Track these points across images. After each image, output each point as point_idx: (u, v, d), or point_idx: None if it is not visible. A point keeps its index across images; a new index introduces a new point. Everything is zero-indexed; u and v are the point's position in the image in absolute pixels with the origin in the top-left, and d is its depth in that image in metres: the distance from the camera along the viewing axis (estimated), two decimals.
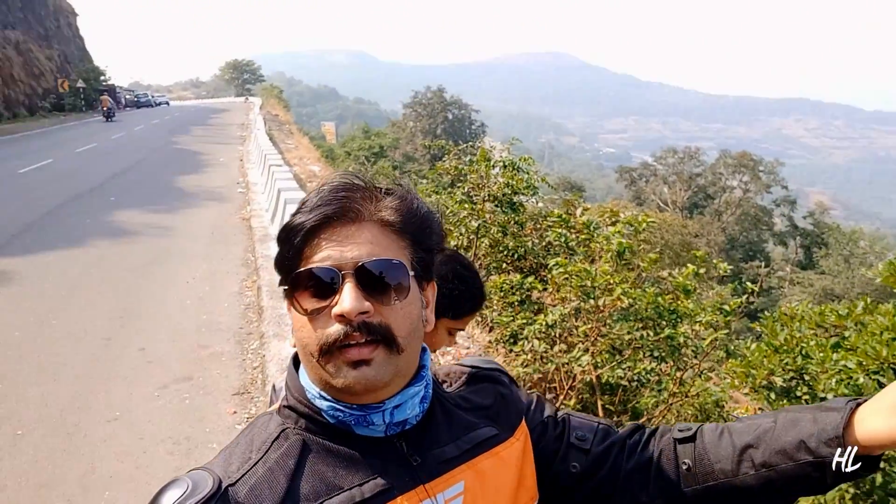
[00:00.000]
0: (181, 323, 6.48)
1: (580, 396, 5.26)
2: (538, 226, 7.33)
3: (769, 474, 0.85)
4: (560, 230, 5.82)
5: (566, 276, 4.80)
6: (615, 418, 5.21)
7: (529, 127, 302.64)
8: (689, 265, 4.71)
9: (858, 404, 0.82)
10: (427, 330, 0.88)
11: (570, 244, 5.83)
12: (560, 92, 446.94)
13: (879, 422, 0.78)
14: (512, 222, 6.87)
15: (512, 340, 5.49)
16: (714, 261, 5.05)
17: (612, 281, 4.54)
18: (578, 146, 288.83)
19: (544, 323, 4.84)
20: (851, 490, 2.60)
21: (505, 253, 6.82)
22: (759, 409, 3.25)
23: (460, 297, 1.66)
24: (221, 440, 4.21)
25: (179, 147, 24.31)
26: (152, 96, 67.57)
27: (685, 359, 4.57)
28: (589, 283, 4.59)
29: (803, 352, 2.95)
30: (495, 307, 5.97)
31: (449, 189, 8.18)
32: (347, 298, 0.77)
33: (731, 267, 4.92)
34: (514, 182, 6.81)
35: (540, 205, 8.90)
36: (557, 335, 5.02)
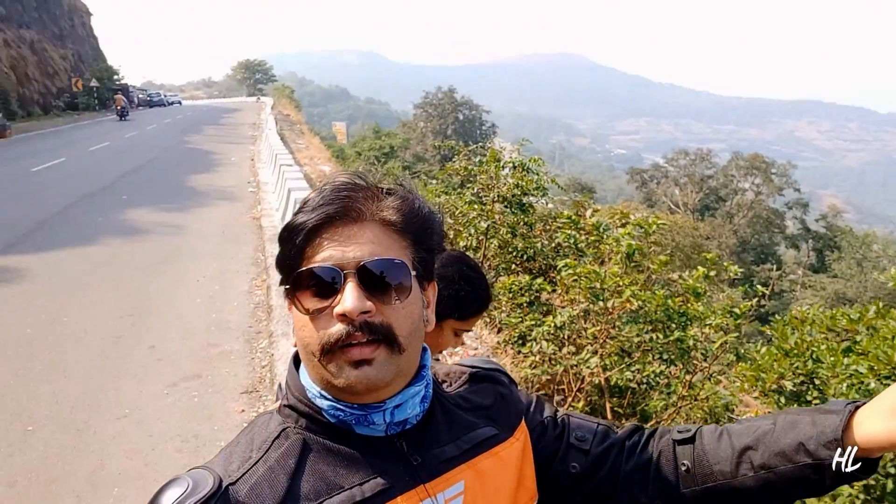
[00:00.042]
0: (191, 321, 6.51)
1: (589, 398, 5.24)
2: (548, 227, 7.32)
3: (768, 476, 0.86)
4: (569, 231, 5.80)
5: (575, 277, 4.78)
6: (624, 421, 5.19)
7: (540, 128, 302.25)
8: (699, 268, 4.68)
9: (857, 407, 0.82)
10: (428, 330, 0.88)
11: (579, 246, 5.81)
12: (571, 93, 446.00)
13: (878, 424, 0.78)
14: (521, 223, 6.85)
15: (520, 342, 5.48)
16: (725, 263, 5.02)
17: (621, 283, 4.52)
18: (589, 147, 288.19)
19: (553, 324, 4.83)
20: (862, 496, 2.58)
21: (514, 254, 6.81)
22: (769, 413, 3.23)
23: (466, 298, 1.66)
24: (230, 438, 4.22)
25: (191, 146, 24.45)
26: (165, 96, 67.98)
27: (694, 362, 4.54)
28: (598, 285, 4.58)
29: (814, 356, 2.92)
30: (504, 308, 5.96)
31: (459, 190, 8.18)
32: (349, 298, 0.77)
33: (742, 270, 4.89)
34: (524, 183, 6.80)
35: (550, 206, 8.88)
36: (566, 337, 5.00)
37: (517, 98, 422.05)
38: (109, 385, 5.06)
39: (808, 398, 2.94)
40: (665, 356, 4.60)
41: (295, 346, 0.85)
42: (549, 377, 5.14)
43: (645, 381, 4.85)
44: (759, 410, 4.04)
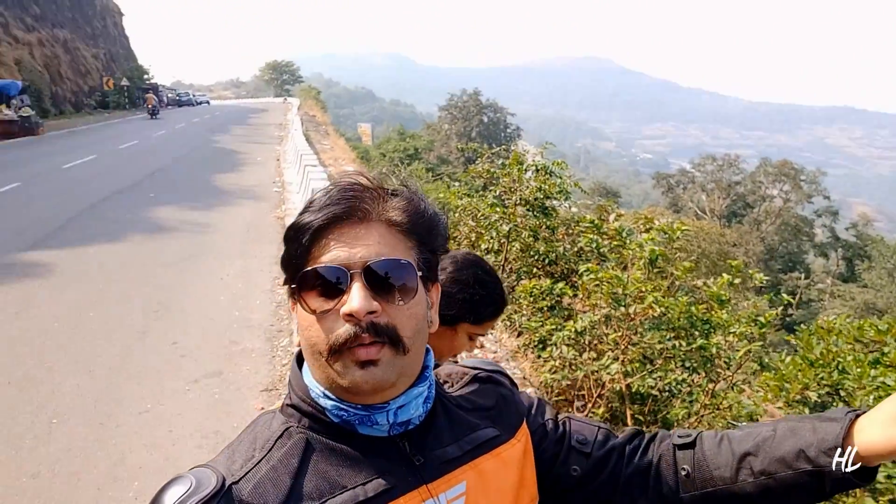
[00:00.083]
0: (214, 318, 6.58)
1: (609, 405, 5.19)
2: (570, 231, 7.27)
3: (767, 482, 0.86)
4: (592, 236, 5.75)
5: (597, 282, 4.74)
6: (645, 428, 5.12)
7: (566, 131, 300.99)
8: (724, 275, 4.61)
9: (858, 415, 0.83)
10: (431, 330, 0.88)
11: (601, 250, 5.76)
12: (597, 97, 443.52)
13: (877, 433, 0.79)
14: (543, 227, 6.82)
15: (541, 346, 5.44)
16: (750, 271, 4.94)
17: (643, 289, 4.47)
18: (615, 151, 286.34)
19: (574, 329, 4.79)
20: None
21: (536, 258, 6.77)
22: None
23: (481, 302, 1.66)
24: None
25: (219, 146, 24.73)
26: (193, 95, 68.90)
27: (718, 370, 4.48)
28: (620, 291, 4.53)
29: (840, 367, 2.87)
30: (524, 312, 5.94)
31: (481, 192, 8.17)
32: (356, 298, 0.77)
33: (769, 278, 4.82)
34: (547, 186, 6.76)
35: (574, 210, 8.82)
36: (587, 342, 4.96)
37: (543, 101, 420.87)
38: (132, 380, 5.12)
39: None
40: (687, 364, 4.54)
41: (299, 345, 0.86)
42: (569, 382, 5.10)
43: (667, 388, 4.79)
44: None
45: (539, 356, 5.36)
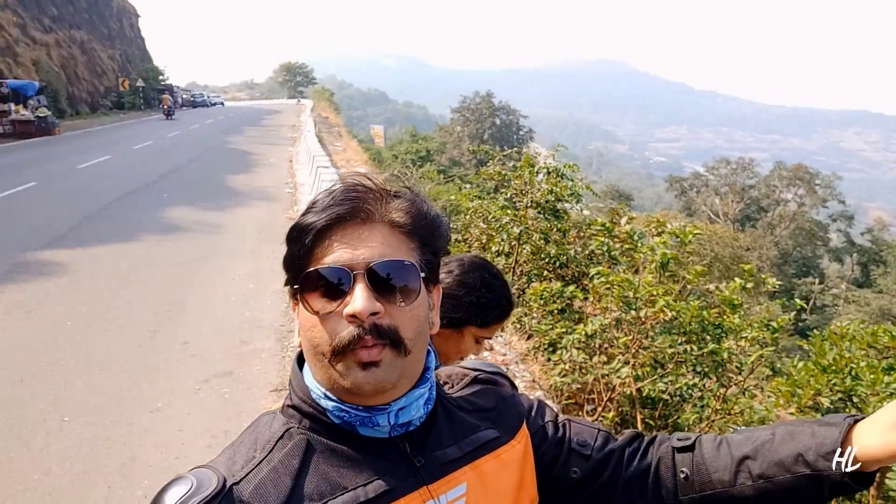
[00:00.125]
0: (225, 318, 6.60)
1: (619, 409, 5.16)
2: (582, 234, 7.25)
3: (766, 485, 0.87)
4: (603, 239, 5.73)
5: (608, 285, 4.72)
6: (655, 433, 5.08)
7: (578, 133, 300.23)
8: (736, 279, 4.58)
9: (857, 420, 0.83)
10: (432, 332, 0.88)
11: (612, 253, 5.74)
12: (611, 99, 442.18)
13: (875, 438, 0.80)
14: (554, 229, 6.80)
15: (551, 349, 5.42)
16: (763, 275, 4.90)
17: (654, 292, 4.44)
18: (628, 154, 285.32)
19: (584, 333, 4.77)
20: None
21: (547, 260, 6.76)
22: None
23: (487, 305, 1.66)
24: None
25: (232, 147, 24.88)
26: (208, 97, 69.44)
27: (729, 375, 4.44)
28: (631, 294, 4.51)
29: (853, 373, 2.83)
30: (534, 315, 5.92)
31: (492, 195, 8.16)
32: (359, 299, 0.77)
33: (782, 283, 4.78)
34: (558, 189, 6.74)
35: (586, 212, 8.80)
36: (597, 346, 4.94)
37: (556, 103, 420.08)
38: (143, 379, 5.16)
39: None
40: (699, 368, 4.51)
41: (300, 346, 0.85)
42: (579, 386, 5.07)
43: (678, 393, 4.76)
44: None
45: (549, 359, 5.34)
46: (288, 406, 0.87)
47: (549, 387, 5.14)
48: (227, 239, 10.18)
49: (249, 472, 0.79)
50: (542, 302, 5.78)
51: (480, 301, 1.64)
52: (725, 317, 4.45)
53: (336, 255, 0.79)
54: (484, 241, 7.36)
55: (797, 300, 4.49)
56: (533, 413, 1.00)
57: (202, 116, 44.72)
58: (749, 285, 4.58)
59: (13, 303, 6.69)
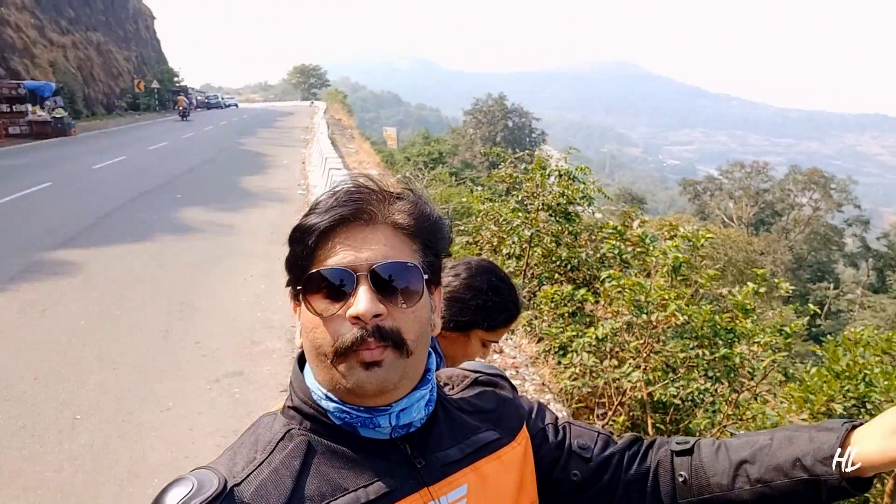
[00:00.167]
0: (236, 319, 6.63)
1: (630, 413, 5.13)
2: (593, 237, 7.22)
3: (764, 490, 0.87)
4: (614, 242, 5.70)
5: (619, 289, 4.69)
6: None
7: (591, 136, 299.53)
8: (749, 284, 4.54)
9: (854, 426, 0.84)
10: (434, 334, 0.88)
11: (624, 257, 5.71)
12: (624, 102, 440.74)
13: (872, 444, 0.80)
14: (566, 232, 6.78)
15: (561, 353, 5.40)
16: (776, 280, 4.86)
17: (666, 296, 4.41)
18: (641, 157, 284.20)
19: (594, 336, 4.74)
20: None
21: (558, 263, 6.74)
22: None
23: (494, 308, 1.65)
24: None
25: (245, 148, 25.02)
26: (222, 98, 69.96)
27: (741, 380, 4.41)
28: (643, 298, 4.48)
29: (866, 379, 2.80)
30: (545, 318, 5.90)
31: (504, 197, 8.15)
32: (363, 300, 0.77)
33: (797, 288, 4.75)
34: (570, 192, 6.72)
35: (598, 215, 8.77)
36: (608, 349, 4.91)
37: (569, 106, 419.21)
38: (155, 378, 5.18)
39: None
40: (710, 373, 4.47)
41: (300, 346, 0.86)
42: (589, 390, 5.05)
43: (689, 398, 4.73)
44: None
45: (559, 363, 5.32)
46: (288, 407, 0.87)
47: (559, 390, 5.12)
48: (240, 240, 10.23)
49: (250, 473, 0.79)
50: (552, 305, 5.77)
51: (487, 305, 1.64)
52: (738, 321, 4.41)
53: (339, 256, 0.79)
54: (495, 243, 7.35)
55: (811, 305, 4.45)
56: (533, 415, 1.00)
57: (216, 118, 45.01)
58: (762, 290, 4.54)
59: (28, 302, 6.76)
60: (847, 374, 2.86)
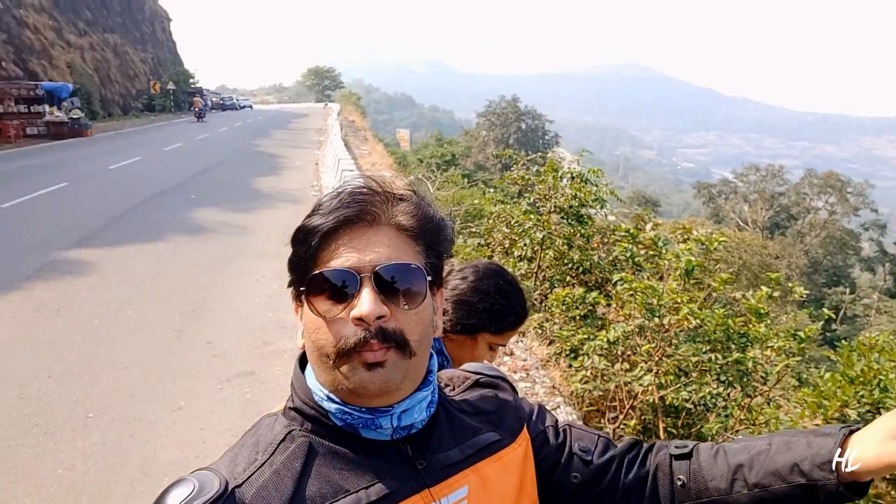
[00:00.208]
0: (248, 319, 6.66)
1: (642, 417, 5.10)
2: (605, 240, 7.19)
3: (762, 494, 0.88)
4: (627, 245, 5.67)
5: (631, 292, 4.67)
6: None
7: (605, 139, 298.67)
8: (763, 288, 4.50)
9: (852, 431, 0.85)
10: (435, 335, 0.88)
11: (636, 260, 5.67)
12: (638, 104, 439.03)
13: (869, 449, 0.81)
14: (578, 235, 6.75)
15: (572, 355, 5.38)
16: (790, 284, 4.81)
17: (678, 300, 4.38)
18: (655, 160, 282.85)
19: (606, 339, 4.72)
20: None
21: (569, 266, 6.71)
22: None
23: (501, 311, 1.64)
24: None
25: (259, 150, 25.16)
26: (236, 100, 70.41)
27: (754, 384, 4.37)
28: (655, 301, 4.45)
29: (881, 384, 2.76)
30: (556, 320, 5.88)
31: (516, 199, 8.13)
32: (367, 302, 0.77)
33: (812, 292, 4.71)
34: (582, 194, 6.70)
35: (611, 218, 8.73)
36: (619, 353, 4.88)
37: (583, 108, 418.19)
38: (167, 377, 5.22)
39: None
40: (723, 377, 4.44)
41: (302, 347, 0.86)
42: (601, 393, 5.03)
43: (701, 402, 4.69)
44: None
45: (570, 365, 5.29)
46: (289, 408, 0.87)
47: (569, 393, 5.10)
48: (253, 240, 10.28)
49: (251, 474, 0.79)
50: (564, 308, 5.74)
51: (494, 308, 1.63)
52: (751, 325, 4.37)
53: (343, 258, 0.80)
54: (507, 245, 7.33)
55: (825, 310, 4.40)
56: (534, 418, 1.00)
57: (231, 119, 45.31)
58: (776, 294, 4.50)
59: (43, 300, 6.82)
60: (861, 379, 2.82)
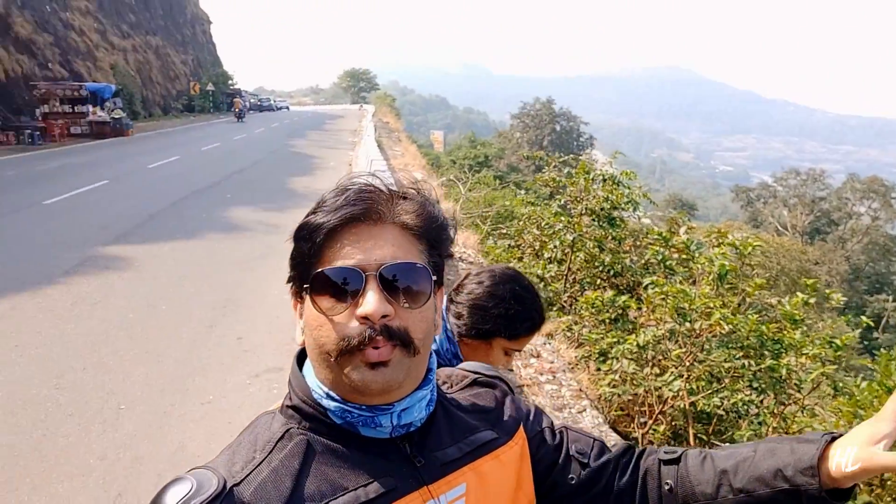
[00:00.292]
0: (278, 316, 6.72)
1: (672, 422, 5.01)
2: (638, 243, 7.10)
3: (746, 499, 0.89)
4: (658, 248, 5.59)
5: (662, 296, 4.60)
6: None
7: (641, 141, 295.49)
8: (798, 294, 4.40)
9: (834, 438, 0.86)
10: (436, 334, 0.88)
11: (668, 263, 5.59)
12: (675, 106, 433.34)
13: (850, 455, 0.82)
14: (609, 237, 6.68)
15: (601, 359, 5.32)
16: (827, 291, 4.69)
17: (711, 305, 4.30)
18: (693, 163, 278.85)
19: (636, 343, 4.65)
20: None
21: (600, 268, 6.64)
22: None
23: (517, 317, 1.63)
24: None
25: (294, 150, 25.44)
26: (274, 101, 71.48)
27: (788, 391, 4.26)
28: (686, 306, 4.38)
29: None
30: (586, 323, 5.82)
31: (547, 201, 8.08)
32: (372, 300, 0.77)
33: (853, 299, 4.58)
34: (615, 197, 6.62)
35: (646, 221, 8.62)
36: (649, 357, 4.81)
37: (618, 110, 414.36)
38: (197, 371, 5.29)
39: None
40: (756, 384, 4.34)
41: (301, 344, 0.86)
42: (630, 398, 4.96)
43: (733, 408, 4.60)
44: None
45: (598, 369, 5.23)
46: (287, 406, 0.86)
47: (597, 397, 5.04)
48: (285, 239, 10.38)
49: (250, 473, 0.78)
50: (594, 311, 5.68)
51: (510, 313, 1.62)
52: (786, 332, 4.27)
53: (348, 256, 0.79)
54: (537, 247, 7.29)
55: (864, 318, 4.27)
56: (530, 418, 1.01)
57: (268, 120, 45.94)
58: (813, 300, 4.39)
59: (81, 294, 6.99)
60: None
